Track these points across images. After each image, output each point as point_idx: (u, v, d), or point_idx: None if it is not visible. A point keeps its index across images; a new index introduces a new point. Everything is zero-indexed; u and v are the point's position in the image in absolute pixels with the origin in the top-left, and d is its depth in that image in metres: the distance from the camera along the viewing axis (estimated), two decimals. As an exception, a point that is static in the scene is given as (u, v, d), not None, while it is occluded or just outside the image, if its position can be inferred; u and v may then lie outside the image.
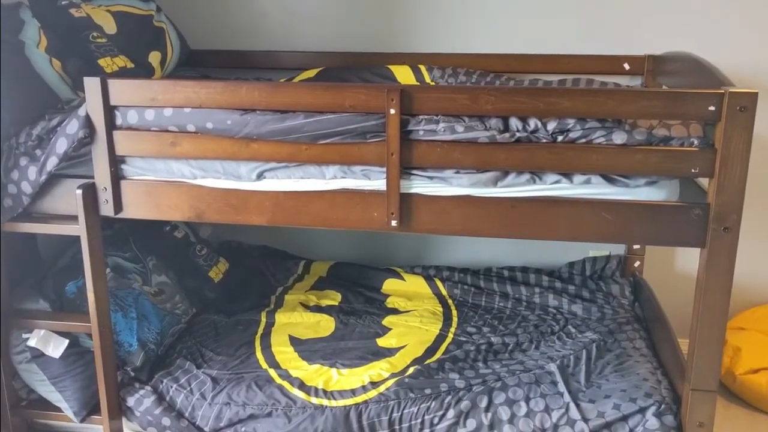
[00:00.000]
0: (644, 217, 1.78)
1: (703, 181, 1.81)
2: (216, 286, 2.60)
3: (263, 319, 2.51)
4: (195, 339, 2.38)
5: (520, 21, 2.71)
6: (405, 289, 2.75)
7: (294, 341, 2.36)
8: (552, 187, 1.80)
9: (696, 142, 1.71)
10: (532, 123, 1.76)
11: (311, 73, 2.64)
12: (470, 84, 2.58)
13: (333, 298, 2.67)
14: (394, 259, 2.98)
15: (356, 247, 3.05)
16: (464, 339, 2.37)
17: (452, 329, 2.44)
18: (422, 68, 2.64)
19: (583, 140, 1.74)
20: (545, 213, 1.82)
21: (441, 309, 2.59)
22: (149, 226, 2.50)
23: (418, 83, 2.59)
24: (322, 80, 2.55)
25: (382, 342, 2.35)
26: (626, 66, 2.63)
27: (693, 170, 1.72)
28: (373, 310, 2.59)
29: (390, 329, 2.44)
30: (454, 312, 2.57)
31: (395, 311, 2.59)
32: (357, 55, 2.78)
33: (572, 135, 1.74)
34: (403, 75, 2.62)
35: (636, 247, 2.77)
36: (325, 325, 2.48)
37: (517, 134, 1.75)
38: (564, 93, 1.75)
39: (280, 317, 2.51)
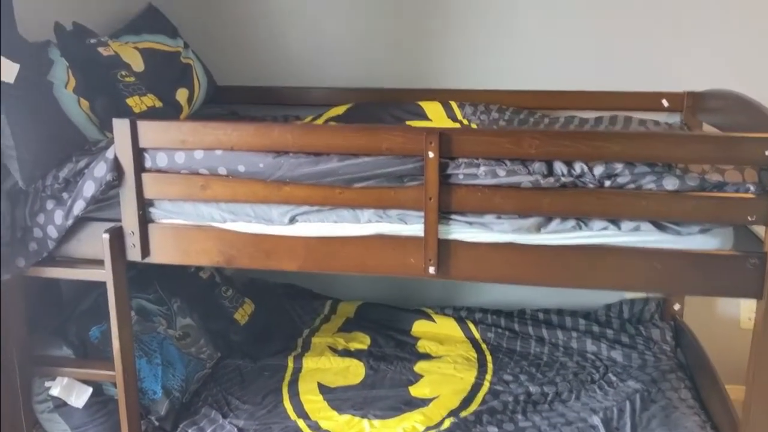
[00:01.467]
0: (697, 267, 1.69)
1: (759, 229, 1.71)
2: (241, 329, 2.52)
3: (290, 365, 2.42)
4: (220, 386, 2.30)
5: (555, 56, 2.64)
6: (436, 332, 2.66)
7: (323, 389, 2.27)
8: (599, 234, 1.71)
9: (752, 188, 1.63)
10: (578, 167, 1.69)
11: (340, 109, 2.59)
12: (503, 121, 2.51)
13: (362, 342, 2.58)
14: (423, 300, 2.89)
15: (384, 286, 2.97)
16: (501, 388, 2.27)
17: (488, 377, 2.34)
18: (453, 105, 2.58)
19: (632, 186, 1.67)
20: (592, 261, 1.73)
21: (475, 354, 2.49)
22: (174, 267, 2.42)
23: (450, 120, 2.52)
24: (352, 117, 2.49)
25: (414, 391, 2.25)
26: (665, 103, 2.56)
27: (749, 218, 1.63)
28: (403, 355, 2.49)
29: (422, 376, 2.34)
30: (489, 358, 2.47)
31: (427, 356, 2.49)
32: (387, 92, 2.73)
33: (620, 180, 1.67)
34: (434, 112, 2.56)
35: (676, 289, 2.67)
36: (355, 371, 2.38)
37: (563, 179, 1.68)
38: (612, 136, 1.67)
39: (308, 362, 2.43)
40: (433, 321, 2.69)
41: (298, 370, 2.40)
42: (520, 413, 2.13)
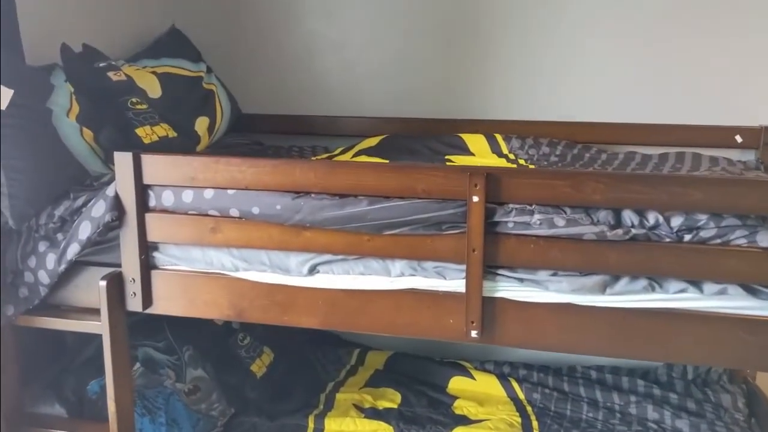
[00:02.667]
0: (797, 340, 1.40)
1: None
2: (258, 382, 2.27)
3: (311, 425, 2.16)
4: (232, 448, 2.05)
5: (613, 85, 2.38)
6: (475, 390, 2.38)
7: (346, 457, 2.01)
8: (676, 297, 1.44)
9: None
10: (652, 218, 1.42)
11: (373, 141, 2.36)
12: (555, 156, 2.25)
13: (391, 399, 2.31)
14: (461, 352, 2.62)
15: (418, 334, 2.70)
16: (549, 463, 1.99)
17: (534, 448, 2.05)
18: (499, 138, 2.34)
19: (718, 241, 1.39)
20: (666, 329, 1.46)
21: (519, 419, 2.20)
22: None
23: (495, 155, 2.28)
24: (386, 149, 2.26)
25: (450, 463, 1.98)
26: (738, 138, 2.28)
27: None
28: (438, 417, 2.21)
29: (459, 445, 2.07)
30: (535, 424, 2.18)
31: (465, 420, 2.21)
32: (425, 122, 2.50)
33: (703, 234, 1.40)
34: (477, 145, 2.32)
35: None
36: (383, 435, 2.12)
37: (633, 231, 1.41)
38: (694, 182, 1.40)
39: (331, 424, 2.16)
40: (472, 378, 2.42)
41: (319, 433, 2.14)
42: (574, 497, 1.84)
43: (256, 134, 2.61)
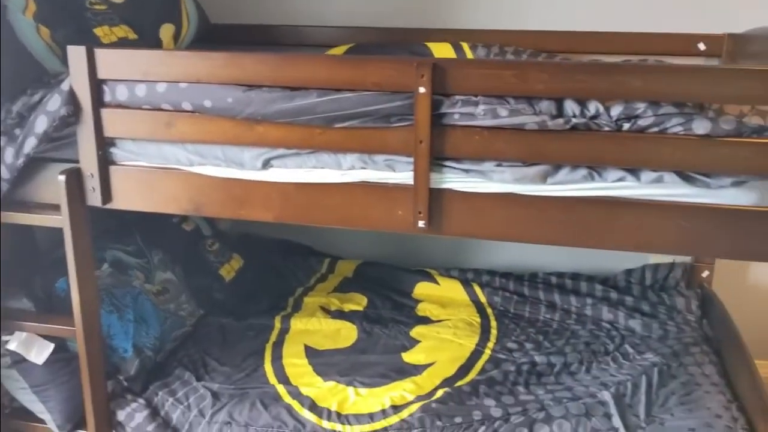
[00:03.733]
0: (729, 226, 1.45)
1: (804, 183, 1.46)
2: (227, 285, 2.35)
3: (277, 325, 2.25)
4: (199, 345, 2.13)
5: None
6: (439, 295, 2.46)
7: (309, 352, 2.10)
8: (614, 185, 1.48)
9: (799, 134, 1.37)
10: (592, 107, 1.45)
11: (339, 50, 2.36)
12: (519, 64, 2.26)
13: (358, 303, 2.40)
14: (428, 260, 2.69)
15: (387, 244, 2.76)
16: (503, 356, 2.07)
17: (490, 344, 2.14)
18: (465, 46, 2.34)
19: (656, 129, 1.42)
20: (605, 217, 1.50)
21: (478, 319, 2.29)
22: (156, 218, 2.24)
23: (459, 62, 2.28)
24: (351, 58, 2.27)
25: (408, 357, 2.07)
26: (701, 46, 2.28)
27: (794, 169, 1.38)
28: (401, 318, 2.30)
29: (418, 342, 2.15)
30: (493, 323, 2.27)
31: (426, 320, 2.30)
32: (392, 31, 2.49)
33: (642, 122, 1.42)
34: (443, 53, 2.32)
35: (705, 254, 2.42)
36: (346, 334, 2.20)
37: (573, 120, 1.44)
38: (634, 70, 1.43)
39: (296, 323, 2.25)
40: (437, 283, 2.49)
41: (285, 331, 2.22)
42: (522, 385, 1.93)
43: (225, 45, 2.60)
